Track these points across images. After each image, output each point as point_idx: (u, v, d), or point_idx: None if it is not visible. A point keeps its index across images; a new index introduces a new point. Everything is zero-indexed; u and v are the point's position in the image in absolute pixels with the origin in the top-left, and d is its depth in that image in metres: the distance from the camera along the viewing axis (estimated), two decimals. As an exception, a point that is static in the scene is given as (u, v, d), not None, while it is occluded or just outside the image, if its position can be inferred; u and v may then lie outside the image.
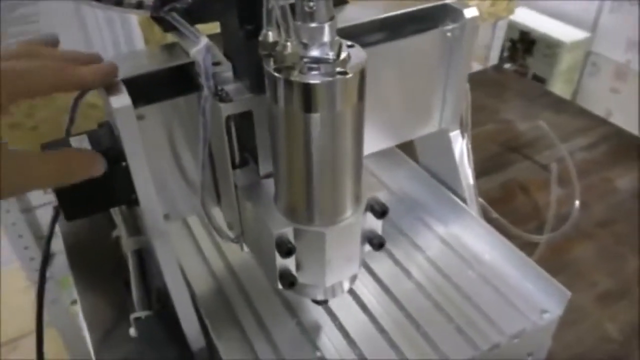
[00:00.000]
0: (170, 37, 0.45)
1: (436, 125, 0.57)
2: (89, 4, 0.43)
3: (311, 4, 0.30)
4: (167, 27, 0.43)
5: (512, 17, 1.10)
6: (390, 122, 0.54)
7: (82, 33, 0.67)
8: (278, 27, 0.31)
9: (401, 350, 0.46)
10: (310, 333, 0.48)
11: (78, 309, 1.27)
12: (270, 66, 0.33)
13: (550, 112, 0.92)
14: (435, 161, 0.61)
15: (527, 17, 1.94)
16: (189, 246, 0.57)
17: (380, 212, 0.41)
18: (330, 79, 0.32)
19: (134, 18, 0.69)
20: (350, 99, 0.33)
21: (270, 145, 0.38)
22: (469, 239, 0.56)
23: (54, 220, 0.58)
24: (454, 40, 0.50)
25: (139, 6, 0.44)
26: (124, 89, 0.38)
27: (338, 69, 0.32)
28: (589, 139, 0.87)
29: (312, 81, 0.32)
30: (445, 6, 0.49)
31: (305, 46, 0.32)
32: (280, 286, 0.41)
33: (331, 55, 0.32)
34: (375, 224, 0.42)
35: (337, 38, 0.33)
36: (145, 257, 0.51)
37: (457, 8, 0.48)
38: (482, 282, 0.52)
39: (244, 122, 0.42)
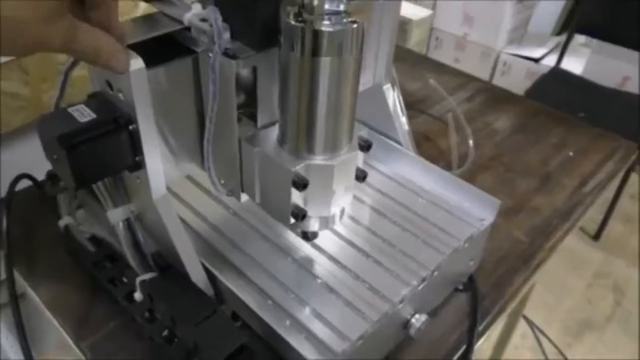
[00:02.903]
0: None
1: (371, 81, 0.65)
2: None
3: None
4: (148, -4, 0.45)
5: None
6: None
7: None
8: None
9: (386, 267, 0.54)
10: (306, 266, 0.54)
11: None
12: (290, 18, 0.38)
13: (432, 74, 1.06)
14: (368, 114, 0.70)
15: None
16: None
17: (366, 146, 0.48)
18: (342, 27, 0.38)
19: None
20: (357, 45, 0.40)
21: (279, 93, 0.43)
22: (411, 173, 0.66)
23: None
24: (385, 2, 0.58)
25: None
26: (135, 53, 0.41)
27: (348, 19, 0.39)
28: (467, 93, 1.03)
29: (326, 29, 0.38)
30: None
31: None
32: (292, 221, 0.47)
33: (342, 7, 0.39)
34: (359, 160, 0.50)
35: (343, -8, 0.39)
36: (132, 226, 0.53)
37: (389, -26, 0.57)
38: (431, 204, 0.62)
39: (239, 81, 0.46)
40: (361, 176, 0.50)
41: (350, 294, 0.51)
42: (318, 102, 0.41)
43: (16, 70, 0.66)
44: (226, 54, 0.43)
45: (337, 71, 0.40)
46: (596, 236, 1.83)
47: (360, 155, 0.49)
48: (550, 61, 2.06)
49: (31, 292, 0.63)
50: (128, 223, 0.52)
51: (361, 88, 0.64)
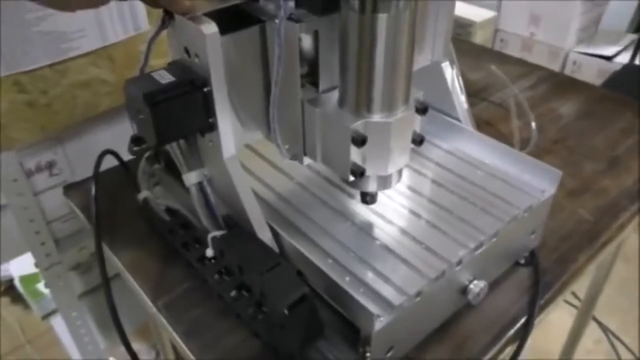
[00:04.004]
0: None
1: (429, 59, 0.67)
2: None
3: None
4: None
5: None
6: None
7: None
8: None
9: (444, 231, 0.56)
10: (365, 229, 0.56)
11: (52, 323, 1.26)
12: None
13: (495, 63, 1.06)
14: (427, 92, 0.71)
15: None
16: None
17: (422, 109, 0.50)
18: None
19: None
20: (412, 2, 0.43)
21: (339, 54, 0.46)
22: (470, 148, 0.67)
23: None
24: (445, -21, 0.60)
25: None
26: (209, 19, 0.45)
27: (403, -23, 0.41)
28: (530, 81, 1.02)
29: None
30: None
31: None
32: (351, 178, 0.49)
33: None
34: (416, 123, 0.51)
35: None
36: (205, 189, 0.57)
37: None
38: (490, 176, 0.63)
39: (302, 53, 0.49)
40: (418, 140, 0.52)
41: (408, 254, 0.53)
42: (375, 58, 0.44)
43: (105, 58, 0.74)
44: (290, 18, 0.46)
45: (393, 27, 0.43)
46: (676, 240, 1.73)
47: (417, 118, 0.51)
48: (624, 59, 1.98)
49: (114, 258, 0.69)
50: (201, 187, 0.57)
51: (419, 65, 0.66)
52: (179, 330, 0.59)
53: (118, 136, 0.83)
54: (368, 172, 0.49)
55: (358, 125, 0.47)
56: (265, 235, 0.54)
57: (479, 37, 2.08)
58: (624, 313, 1.53)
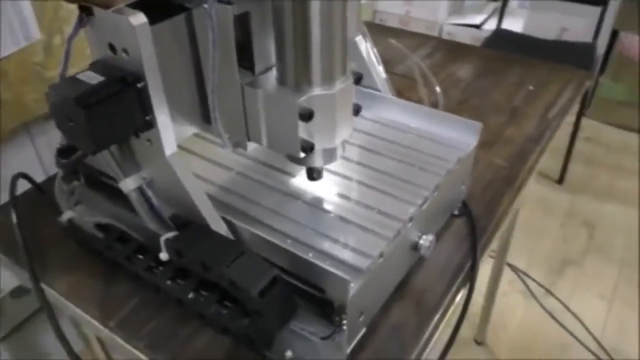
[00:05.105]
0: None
1: (343, 35, 0.69)
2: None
3: None
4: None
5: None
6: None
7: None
8: None
9: (391, 193, 0.58)
10: (317, 205, 0.57)
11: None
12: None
13: (390, 37, 1.11)
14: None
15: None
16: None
17: (357, 78, 0.52)
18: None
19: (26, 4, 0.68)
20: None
21: (275, 31, 0.46)
22: (394, 114, 0.70)
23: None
24: (350, -45, 0.62)
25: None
26: (135, 10, 0.43)
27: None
28: (426, 50, 1.08)
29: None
30: None
31: None
32: (302, 154, 0.50)
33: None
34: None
35: None
36: (145, 193, 0.54)
37: None
38: (419, 138, 0.66)
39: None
40: (355, 109, 0.53)
41: (363, 220, 0.55)
42: (312, 33, 0.45)
43: (-4, 74, 0.67)
44: (221, 1, 0.45)
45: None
46: (560, 180, 1.93)
47: (353, 88, 0.53)
48: (491, 25, 2.16)
49: (47, 289, 0.64)
50: (141, 191, 0.54)
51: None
52: (140, 346, 0.56)
53: (22, 161, 0.76)
54: (317, 146, 0.50)
55: (303, 100, 0.47)
56: (221, 228, 0.53)
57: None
58: (529, 251, 1.69)
